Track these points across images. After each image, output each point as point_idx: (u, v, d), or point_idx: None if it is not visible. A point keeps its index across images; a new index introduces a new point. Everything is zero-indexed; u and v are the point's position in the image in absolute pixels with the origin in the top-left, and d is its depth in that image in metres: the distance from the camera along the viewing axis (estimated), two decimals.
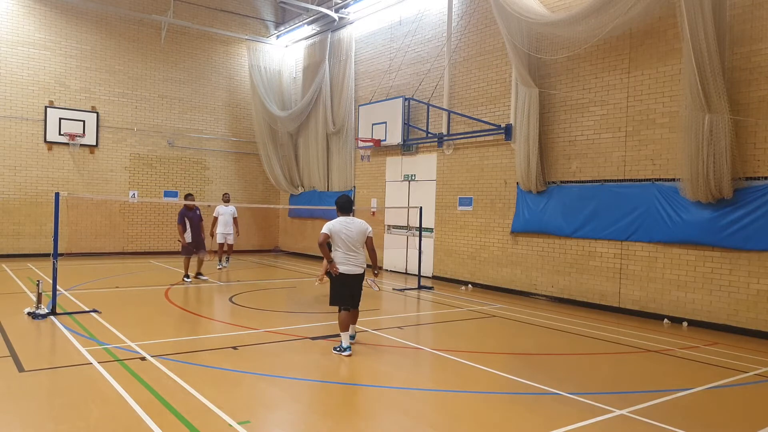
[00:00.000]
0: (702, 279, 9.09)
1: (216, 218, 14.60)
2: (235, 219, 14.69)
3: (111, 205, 16.91)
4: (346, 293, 6.97)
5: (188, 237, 11.99)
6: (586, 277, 10.70)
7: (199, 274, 12.55)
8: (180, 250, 12.39)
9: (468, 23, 13.20)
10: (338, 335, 7.06)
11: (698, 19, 8.36)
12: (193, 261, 12.45)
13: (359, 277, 7.05)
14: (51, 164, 16.32)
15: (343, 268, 6.89)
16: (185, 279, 12.20)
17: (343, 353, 6.76)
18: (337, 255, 6.93)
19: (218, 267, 14.56)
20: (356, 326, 8.02)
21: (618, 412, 5.03)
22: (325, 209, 17.16)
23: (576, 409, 5.13)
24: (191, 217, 12.05)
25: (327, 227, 6.89)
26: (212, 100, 19.00)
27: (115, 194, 17.18)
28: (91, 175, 16.93)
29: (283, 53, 19.73)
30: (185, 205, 12.05)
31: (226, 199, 14.96)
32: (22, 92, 15.82)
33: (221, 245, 14.64)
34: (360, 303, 7.21)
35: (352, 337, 7.20)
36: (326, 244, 6.91)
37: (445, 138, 13.65)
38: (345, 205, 7.05)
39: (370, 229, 7.10)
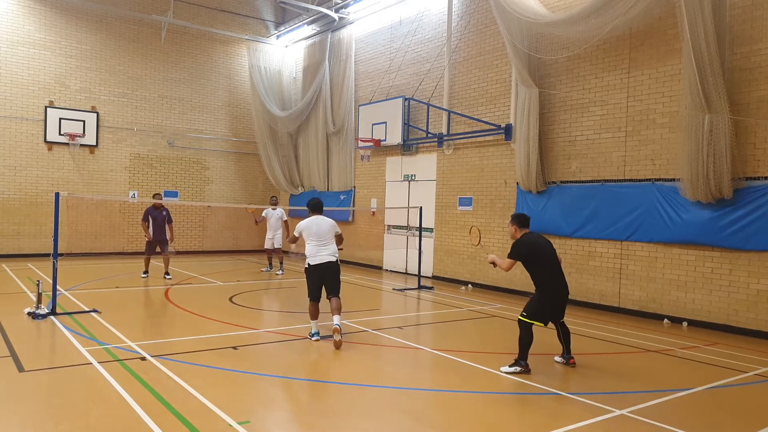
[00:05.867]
0: (702, 279, 9.09)
1: (264, 218, 14.44)
2: (285, 222, 14.35)
3: (111, 205, 16.91)
4: (318, 284, 7.40)
5: (150, 235, 12.47)
6: (586, 277, 10.70)
7: (166, 273, 12.68)
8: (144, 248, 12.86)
9: (468, 23, 13.20)
10: (338, 335, 7.11)
11: (698, 19, 8.36)
12: (159, 259, 12.87)
13: (332, 265, 7.40)
14: (51, 164, 16.32)
15: (315, 260, 7.34)
16: (143, 275, 12.57)
17: (312, 338, 7.31)
18: (309, 248, 7.41)
19: (263, 270, 14.47)
20: (355, 327, 8.05)
21: (618, 412, 5.03)
22: (325, 209, 17.14)
23: (576, 409, 5.13)
24: (155, 216, 12.49)
25: (298, 228, 7.52)
26: (212, 100, 19.00)
27: (115, 194, 17.18)
28: (91, 175, 16.93)
29: (283, 53, 19.73)
30: (153, 204, 12.60)
31: (273, 203, 14.67)
32: (22, 92, 15.82)
33: (268, 250, 14.38)
34: (343, 294, 7.53)
35: (338, 326, 7.16)
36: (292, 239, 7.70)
37: (445, 138, 13.65)
38: (316, 206, 7.73)
39: (338, 227, 7.70)
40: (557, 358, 6.71)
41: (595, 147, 10.59)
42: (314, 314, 7.43)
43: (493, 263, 6.60)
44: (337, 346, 6.95)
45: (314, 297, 7.41)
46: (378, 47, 15.99)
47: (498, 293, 12.08)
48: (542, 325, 6.40)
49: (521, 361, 6.23)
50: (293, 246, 8.32)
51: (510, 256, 6.48)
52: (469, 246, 13.09)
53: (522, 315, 6.37)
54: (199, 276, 13.30)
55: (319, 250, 7.36)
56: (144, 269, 12.71)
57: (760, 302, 8.42)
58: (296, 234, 7.50)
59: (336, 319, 7.21)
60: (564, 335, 6.66)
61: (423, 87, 14.28)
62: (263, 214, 14.53)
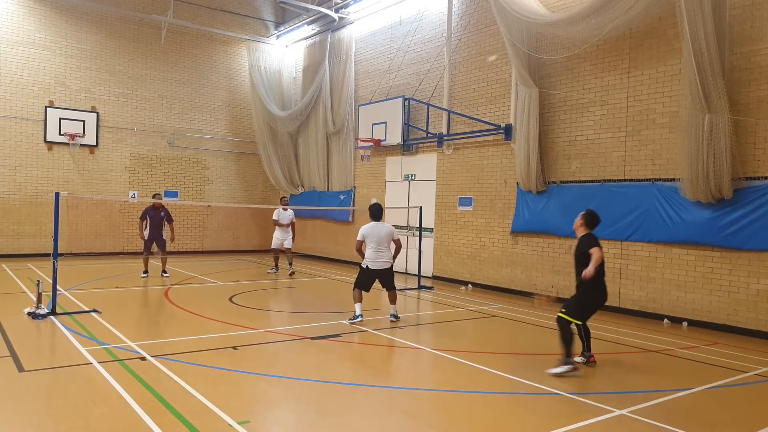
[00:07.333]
0: (702, 279, 9.09)
1: (276, 221, 14.29)
2: (292, 224, 14.33)
3: (111, 205, 16.91)
4: (370, 281, 8.55)
5: (146, 234, 12.52)
6: None
7: (163, 272, 12.76)
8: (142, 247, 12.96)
9: (468, 23, 13.20)
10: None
11: (698, 19, 8.36)
12: (157, 259, 13.06)
13: (387, 271, 8.56)
14: (51, 164, 16.32)
15: (374, 265, 8.44)
16: (143, 275, 12.62)
17: (356, 321, 8.33)
18: (369, 252, 8.46)
19: (269, 271, 14.37)
20: (361, 327, 8.08)
21: (618, 412, 5.03)
22: (325, 209, 17.19)
23: (576, 409, 5.13)
24: (153, 216, 12.51)
25: (361, 232, 8.53)
26: (212, 100, 19.00)
27: (115, 194, 17.18)
28: (91, 175, 16.94)
29: (283, 53, 19.73)
30: (152, 204, 12.61)
31: (284, 203, 14.43)
32: (22, 92, 15.82)
33: (276, 250, 14.33)
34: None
35: (396, 317, 8.69)
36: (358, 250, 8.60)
37: (445, 138, 13.65)
38: (377, 213, 8.64)
39: (396, 232, 8.71)
40: (577, 358, 6.67)
41: (595, 147, 10.59)
42: (359, 298, 8.49)
43: (594, 270, 6.26)
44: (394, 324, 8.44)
45: (361, 287, 8.54)
46: (378, 47, 15.99)
47: (498, 293, 12.09)
48: (580, 323, 6.46)
49: (568, 359, 6.17)
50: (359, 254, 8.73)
51: (597, 245, 6.37)
52: (469, 246, 13.10)
53: (561, 312, 6.37)
54: (199, 276, 13.30)
55: (379, 256, 8.44)
56: (144, 269, 12.75)
57: (760, 302, 8.42)
58: (360, 239, 8.50)
59: (393, 308, 8.72)
60: (586, 334, 6.69)
61: (423, 87, 14.28)
62: (274, 217, 14.40)
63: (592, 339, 6.57)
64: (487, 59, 9.29)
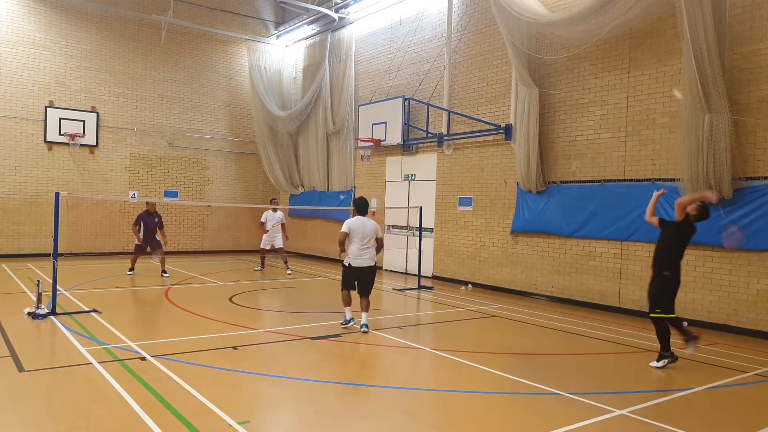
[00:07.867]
0: (702, 279, 9.09)
1: (263, 223, 14.41)
2: (283, 225, 14.52)
3: (111, 205, 16.91)
4: (353, 280, 8.11)
5: (141, 238, 12.85)
6: (586, 277, 10.70)
7: (163, 272, 12.94)
8: (133, 248, 13.30)
9: (468, 23, 13.20)
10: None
11: (698, 19, 8.37)
12: (150, 259, 13.61)
13: (369, 269, 8.08)
14: (51, 164, 16.32)
15: (356, 263, 8.01)
16: (129, 272, 13.05)
17: (348, 324, 8.04)
18: (352, 248, 8.02)
19: (256, 269, 14.64)
20: (355, 327, 8.06)
21: (618, 412, 5.03)
22: (325, 209, 17.18)
23: (576, 409, 5.13)
24: (147, 221, 12.85)
25: (346, 225, 8.07)
26: (212, 100, 19.00)
27: (115, 194, 17.18)
28: (91, 175, 16.93)
29: (283, 53, 19.73)
30: (146, 209, 12.97)
31: (274, 204, 14.62)
32: (22, 92, 15.82)
33: (264, 251, 14.53)
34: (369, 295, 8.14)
35: (365, 325, 7.93)
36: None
37: (445, 138, 13.65)
38: (361, 207, 8.24)
39: (380, 230, 8.24)
40: (688, 350, 6.80)
41: (595, 147, 10.58)
42: (347, 301, 8.14)
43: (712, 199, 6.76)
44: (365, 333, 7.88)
45: (348, 288, 8.15)
46: (378, 47, 15.99)
47: (498, 293, 12.08)
48: (673, 315, 6.66)
49: (665, 353, 6.58)
50: (343, 253, 8.32)
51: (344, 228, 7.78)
52: (469, 246, 13.09)
53: (656, 312, 6.63)
54: (199, 276, 13.31)
55: (361, 253, 8.02)
56: (130, 266, 13.12)
57: (760, 302, 8.42)
58: (345, 230, 8.03)
59: (364, 316, 8.01)
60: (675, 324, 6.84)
61: (423, 87, 14.28)
62: (262, 219, 14.50)
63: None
64: (674, 93, 8.93)
